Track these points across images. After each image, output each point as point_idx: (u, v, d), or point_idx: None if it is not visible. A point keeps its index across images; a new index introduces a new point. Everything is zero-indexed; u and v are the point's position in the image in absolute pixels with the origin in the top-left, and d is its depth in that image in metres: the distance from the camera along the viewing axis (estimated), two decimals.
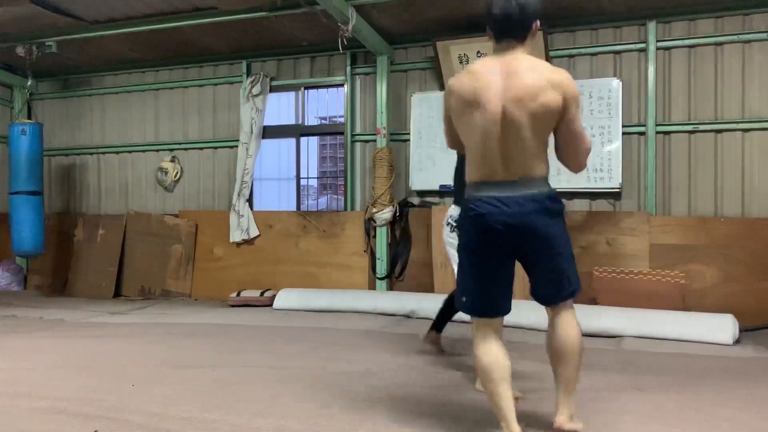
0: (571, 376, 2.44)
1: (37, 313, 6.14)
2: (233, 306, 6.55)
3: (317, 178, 11.21)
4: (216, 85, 7.56)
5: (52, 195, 8.23)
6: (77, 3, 6.06)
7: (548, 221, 2.35)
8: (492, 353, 2.40)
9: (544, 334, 2.60)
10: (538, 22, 2.42)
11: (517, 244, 2.38)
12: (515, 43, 2.38)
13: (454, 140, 2.63)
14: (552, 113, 2.29)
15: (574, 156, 2.44)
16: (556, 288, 2.45)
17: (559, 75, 2.31)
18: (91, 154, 8.23)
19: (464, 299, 2.50)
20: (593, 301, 5.43)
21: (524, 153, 2.31)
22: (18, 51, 6.90)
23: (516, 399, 2.65)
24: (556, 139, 2.42)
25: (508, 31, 2.37)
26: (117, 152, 8.10)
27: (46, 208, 7.42)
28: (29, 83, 7.54)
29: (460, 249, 2.53)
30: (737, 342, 4.64)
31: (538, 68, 2.31)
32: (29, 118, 7.70)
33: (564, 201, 3.66)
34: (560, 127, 2.36)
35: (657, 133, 5.83)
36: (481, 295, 2.46)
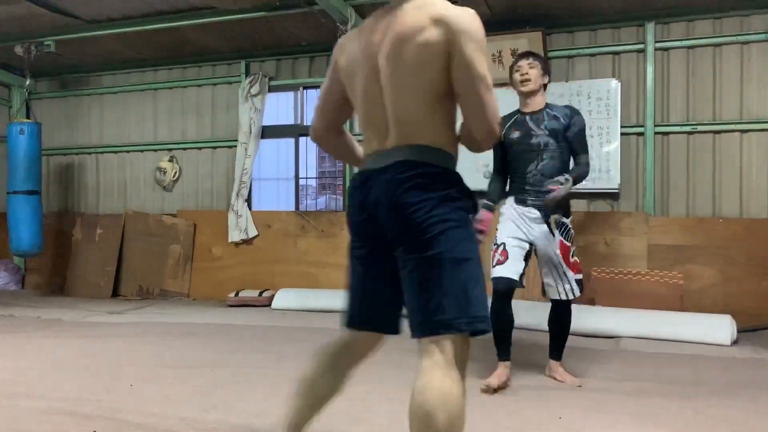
0: None
1: (35, 312, 6.13)
2: (231, 306, 6.55)
3: (316, 178, 11.20)
4: (215, 84, 7.55)
5: (50, 194, 8.21)
6: (76, 2, 6.06)
7: (421, 201, 1.72)
8: (319, 374, 1.98)
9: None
10: None
11: (389, 228, 1.79)
12: None
13: (326, 114, 2.06)
14: (436, 54, 1.70)
15: (478, 114, 1.75)
16: (418, 310, 1.76)
17: (449, 10, 1.72)
18: (90, 153, 8.22)
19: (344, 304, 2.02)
20: (591, 302, 5.43)
21: (410, 114, 1.77)
22: (16, 50, 6.90)
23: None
24: (457, 96, 1.78)
25: None
26: (115, 152, 8.09)
27: (44, 208, 7.40)
28: (27, 82, 7.52)
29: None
30: (735, 343, 4.64)
31: (423, 4, 1.76)
32: (27, 117, 7.68)
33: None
34: (455, 76, 1.73)
35: (656, 133, 5.84)
36: (353, 298, 1.98)
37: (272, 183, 7.86)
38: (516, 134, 3.40)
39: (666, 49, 5.86)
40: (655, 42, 5.83)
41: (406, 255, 1.76)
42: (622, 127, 5.83)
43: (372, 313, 1.94)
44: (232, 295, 6.64)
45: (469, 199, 1.81)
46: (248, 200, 7.26)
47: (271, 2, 5.75)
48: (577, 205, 6.01)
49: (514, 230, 3.39)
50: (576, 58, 6.13)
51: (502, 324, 3.39)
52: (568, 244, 3.37)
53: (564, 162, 3.39)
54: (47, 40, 6.80)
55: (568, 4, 5.75)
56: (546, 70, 3.46)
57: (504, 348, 3.43)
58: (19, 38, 6.83)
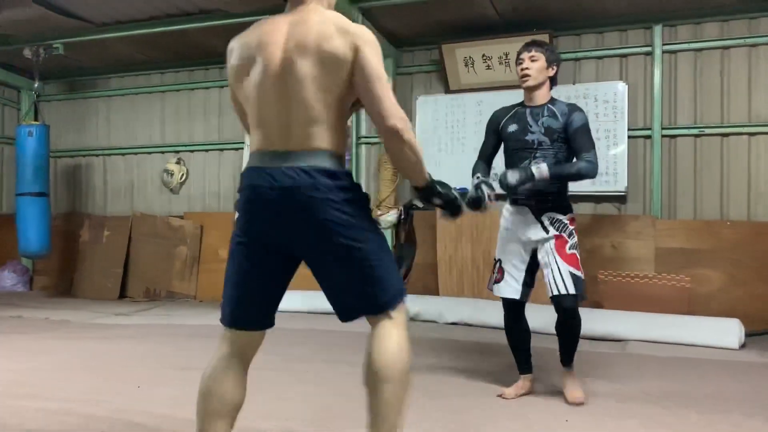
0: (384, 411, 1.85)
1: (42, 313, 6.16)
2: None
3: None
4: (222, 87, 7.57)
5: (58, 196, 8.24)
6: (84, 5, 6.09)
7: (329, 203, 1.83)
8: (218, 379, 1.98)
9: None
10: None
11: (286, 230, 1.88)
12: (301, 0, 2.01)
13: (239, 112, 2.14)
14: (339, 63, 1.84)
15: (378, 109, 1.85)
16: (359, 299, 1.92)
17: (352, 24, 1.90)
18: (97, 155, 8.27)
19: (222, 302, 2.06)
20: (598, 305, 5.42)
21: (306, 117, 1.86)
22: (25, 53, 6.95)
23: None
24: (360, 97, 1.91)
25: None
26: (123, 154, 8.13)
27: (52, 210, 7.44)
28: (36, 85, 7.56)
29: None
30: (743, 346, 4.62)
31: (328, 17, 1.91)
32: (36, 119, 7.73)
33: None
34: (357, 82, 1.87)
35: (663, 136, 5.82)
36: (239, 298, 2.00)
37: None
38: (513, 128, 3.22)
39: (673, 52, 5.85)
40: (663, 45, 5.82)
41: (326, 255, 1.89)
42: (629, 129, 5.81)
43: (256, 310, 2.02)
44: None
45: (361, 191, 1.95)
46: None
47: (277, 5, 5.76)
48: (584, 208, 6.00)
49: (509, 244, 3.27)
50: (583, 61, 6.13)
51: (514, 338, 3.34)
52: (564, 235, 3.13)
53: (559, 162, 3.13)
54: (56, 42, 6.84)
55: (574, 6, 5.75)
56: (552, 61, 3.22)
57: (522, 360, 3.34)
58: (29, 41, 6.87)
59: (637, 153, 5.91)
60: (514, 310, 3.29)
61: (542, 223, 3.16)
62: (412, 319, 5.79)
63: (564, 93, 5.85)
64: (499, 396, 3.25)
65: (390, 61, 6.60)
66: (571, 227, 3.17)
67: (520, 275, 3.24)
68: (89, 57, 7.56)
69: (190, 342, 4.65)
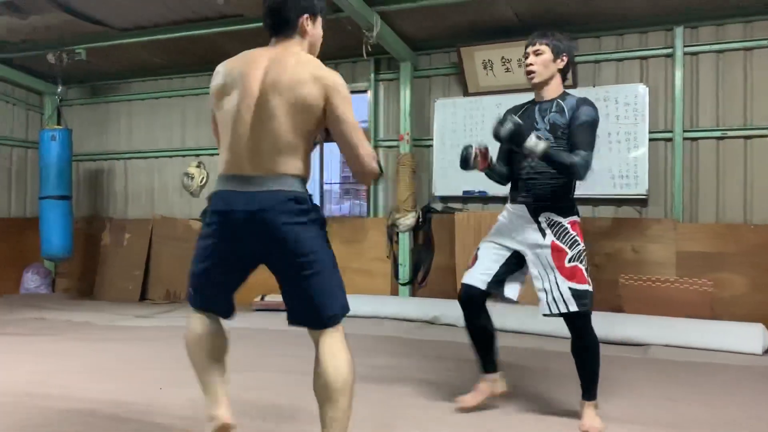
0: (337, 416, 2.14)
1: (65, 316, 6.24)
2: (257, 310, 6.59)
3: (340, 183, 11.25)
4: None
5: (80, 199, 8.34)
6: (107, 11, 6.18)
7: (294, 225, 2.09)
8: (197, 329, 2.33)
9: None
10: (307, 17, 2.27)
11: (255, 247, 2.15)
12: (283, 38, 2.26)
13: (215, 132, 2.36)
14: (311, 108, 2.10)
15: (352, 161, 2.19)
16: (311, 311, 2.17)
17: (324, 71, 2.13)
18: (119, 159, 8.36)
19: (190, 289, 2.36)
20: (619, 309, 5.37)
21: (275, 146, 2.11)
22: (49, 58, 7.03)
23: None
24: (336, 142, 2.20)
25: (276, 27, 2.27)
26: (144, 158, 8.22)
27: (74, 213, 7.53)
28: (59, 90, 7.68)
29: (198, 240, 2.30)
30: (767, 352, 4.56)
31: (304, 62, 2.16)
32: (59, 124, 7.83)
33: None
34: (331, 129, 2.18)
35: (684, 139, 5.76)
36: (204, 291, 2.33)
37: None
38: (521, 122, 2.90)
39: (695, 54, 5.78)
40: (684, 46, 5.76)
41: (285, 269, 2.17)
42: (650, 132, 5.76)
43: (219, 298, 2.34)
44: (258, 299, 6.69)
45: (319, 212, 2.22)
46: None
47: None
48: (605, 212, 5.96)
49: (494, 236, 3.08)
50: (603, 63, 6.08)
51: (472, 335, 3.11)
52: (563, 246, 2.83)
53: None
54: (78, 48, 6.93)
55: (594, 9, 5.71)
56: (560, 51, 2.94)
57: (484, 360, 3.11)
58: (52, 47, 6.97)
59: (658, 156, 5.85)
60: (468, 306, 3.06)
61: (539, 224, 2.90)
62: (431, 322, 5.79)
63: (583, 95, 5.82)
64: (459, 409, 3.05)
65: (407, 64, 6.61)
66: (572, 233, 2.87)
67: (491, 267, 3.01)
68: (111, 62, 7.65)
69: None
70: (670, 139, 5.81)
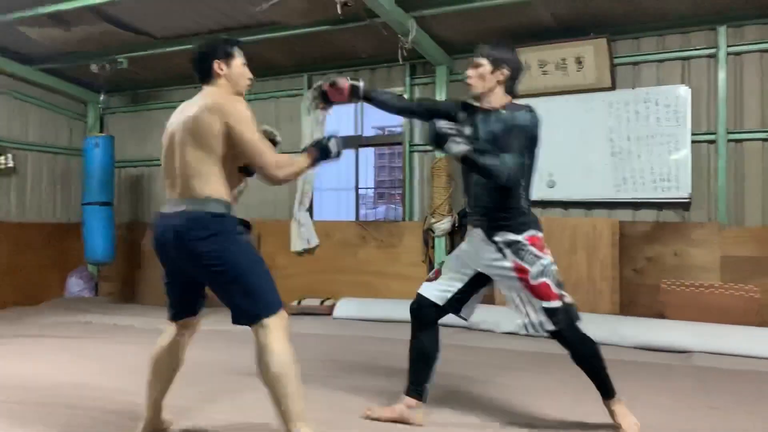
0: (277, 401, 2.43)
1: (109, 319, 6.39)
2: (294, 314, 6.64)
3: (374, 188, 11.30)
4: (278, 98, 7.71)
5: (121, 205, 8.53)
6: (148, 21, 6.33)
7: (198, 241, 2.43)
8: (162, 347, 2.79)
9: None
10: (219, 63, 2.63)
11: (181, 263, 2.52)
12: (206, 84, 2.66)
13: None
14: (212, 134, 2.45)
15: (261, 171, 2.54)
16: (237, 312, 2.52)
17: (221, 100, 2.50)
18: (159, 166, 8.47)
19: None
20: (661, 315, 5.26)
21: (186, 173, 2.49)
22: (92, 68, 7.22)
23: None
24: (242, 155, 2.54)
25: (198, 77, 2.68)
26: None
27: (116, 218, 7.71)
28: (102, 98, 7.87)
29: None
30: None
31: (206, 96, 2.57)
32: (101, 131, 8.03)
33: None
34: (236, 147, 2.48)
35: (728, 141, 5.62)
36: (171, 305, 2.80)
37: (332, 193, 7.97)
38: (467, 130, 2.85)
39: (739, 54, 5.64)
40: (727, 46, 5.63)
41: (207, 280, 2.56)
42: (692, 134, 5.64)
43: (185, 304, 2.78)
44: (295, 303, 6.74)
45: (241, 226, 2.58)
46: (310, 210, 7.37)
47: (334, 17, 5.84)
48: (646, 215, 5.83)
49: (461, 256, 3.01)
50: (642, 65, 5.97)
51: (410, 349, 3.00)
52: (524, 264, 2.75)
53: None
54: (120, 57, 7.10)
55: (633, 9, 5.61)
56: (499, 63, 2.85)
57: (412, 381, 2.97)
58: (95, 56, 7.16)
59: (701, 158, 5.71)
60: (416, 320, 3.00)
61: (497, 245, 2.81)
62: (469, 328, 5.74)
63: (623, 98, 5.75)
64: (365, 416, 3.04)
65: (443, 68, 6.60)
66: (531, 249, 2.77)
67: (453, 285, 2.97)
68: (151, 70, 7.81)
69: (249, 348, 4.69)
70: (713, 141, 5.68)
